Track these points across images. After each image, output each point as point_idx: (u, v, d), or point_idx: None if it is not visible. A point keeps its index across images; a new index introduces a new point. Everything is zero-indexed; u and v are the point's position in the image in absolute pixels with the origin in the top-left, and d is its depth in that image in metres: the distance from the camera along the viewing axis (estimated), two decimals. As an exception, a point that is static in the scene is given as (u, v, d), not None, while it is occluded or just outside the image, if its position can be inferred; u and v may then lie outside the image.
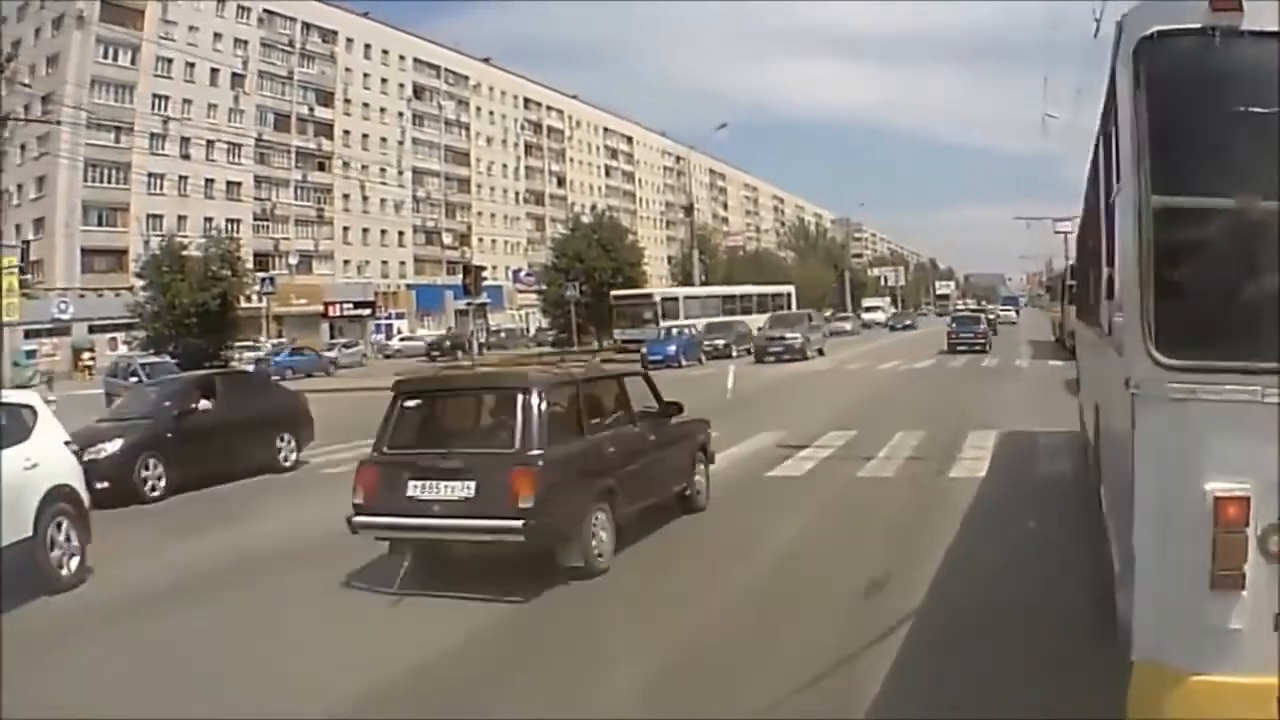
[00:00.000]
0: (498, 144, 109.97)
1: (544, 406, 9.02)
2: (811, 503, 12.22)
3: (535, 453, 8.77)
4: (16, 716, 6.11)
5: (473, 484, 8.70)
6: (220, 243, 58.88)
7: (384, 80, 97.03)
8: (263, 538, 11.66)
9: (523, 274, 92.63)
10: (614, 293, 58.44)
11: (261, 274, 66.94)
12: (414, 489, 8.88)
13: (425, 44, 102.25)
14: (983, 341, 43.98)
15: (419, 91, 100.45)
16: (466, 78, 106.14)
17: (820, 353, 44.87)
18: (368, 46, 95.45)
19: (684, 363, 44.58)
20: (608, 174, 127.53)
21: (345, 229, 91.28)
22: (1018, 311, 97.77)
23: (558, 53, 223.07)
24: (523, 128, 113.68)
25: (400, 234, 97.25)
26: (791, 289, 65.52)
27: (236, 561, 10.41)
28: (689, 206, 78.20)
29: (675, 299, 55.25)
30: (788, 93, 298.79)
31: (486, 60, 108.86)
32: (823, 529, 10.96)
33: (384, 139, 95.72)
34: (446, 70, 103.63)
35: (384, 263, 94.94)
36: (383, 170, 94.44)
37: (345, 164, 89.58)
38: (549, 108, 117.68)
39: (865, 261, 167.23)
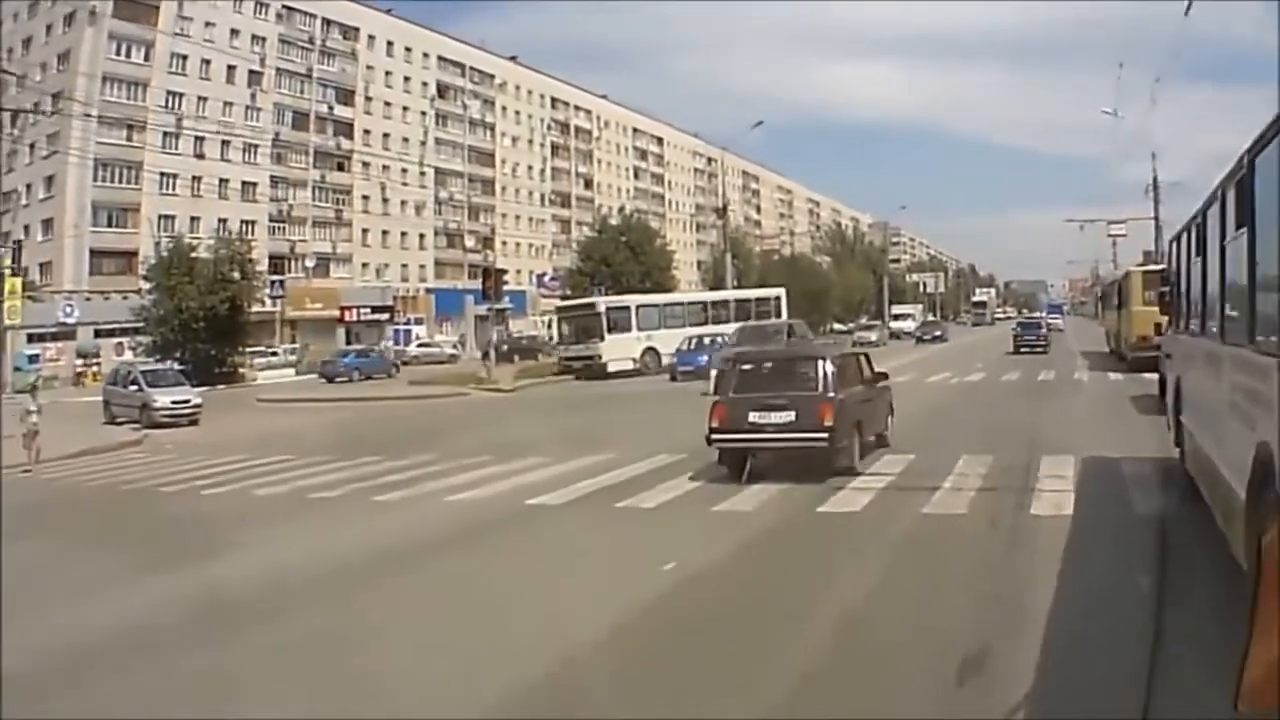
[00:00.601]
0: (523, 144, 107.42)
1: (832, 368, 14.73)
2: (875, 548, 10.27)
3: (832, 394, 14.30)
4: (16, 717, 6.31)
5: (793, 413, 14.13)
6: (230, 244, 57.03)
7: (406, 78, 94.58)
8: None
9: (547, 278, 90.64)
10: (557, 304, 56.26)
11: (274, 277, 65.68)
12: (754, 417, 14.35)
13: (450, 41, 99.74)
14: (1044, 344, 50.75)
15: (443, 90, 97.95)
16: (492, 76, 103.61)
17: None
18: (390, 44, 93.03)
19: (713, 374, 41.97)
20: (636, 176, 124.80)
21: (364, 231, 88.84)
22: (1063, 320, 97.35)
23: (590, 54, 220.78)
24: (549, 128, 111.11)
25: (421, 236, 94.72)
26: (781, 293, 57.42)
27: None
28: (722, 208, 73.39)
29: (625, 309, 48.62)
30: (826, 95, 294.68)
31: (513, 58, 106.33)
32: (893, 585, 8.93)
33: (405, 139, 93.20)
34: (471, 69, 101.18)
35: (404, 266, 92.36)
36: (404, 171, 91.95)
37: (365, 164, 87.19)
38: (577, 107, 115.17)
39: (904, 267, 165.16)
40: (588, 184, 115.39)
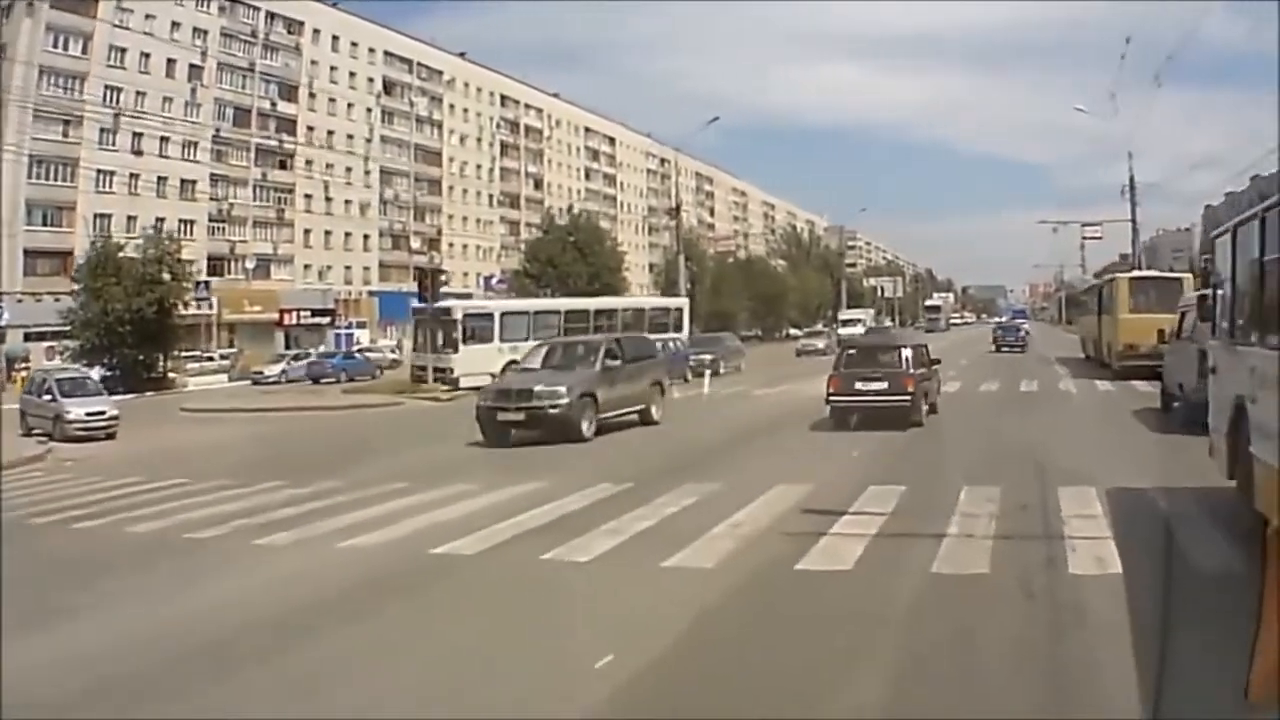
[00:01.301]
0: (472, 143, 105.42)
1: (910, 353, 22.09)
2: (879, 631, 7.70)
3: (912, 371, 21.41)
4: (16, 717, 6.19)
5: (885, 383, 21.01)
6: (159, 244, 55.11)
7: (352, 74, 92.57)
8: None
9: (494, 280, 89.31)
10: (413, 305, 49.56)
11: (200, 279, 63.38)
12: (859, 385, 21.25)
13: (397, 36, 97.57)
14: (1022, 344, 58.07)
15: (389, 86, 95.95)
16: (440, 73, 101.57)
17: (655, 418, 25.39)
18: (335, 38, 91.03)
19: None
20: (588, 176, 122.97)
21: (306, 231, 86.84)
22: (1029, 324, 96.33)
23: (545, 56, 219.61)
24: (499, 126, 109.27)
25: (365, 238, 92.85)
26: (683, 304, 52.84)
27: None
28: (675, 208, 71.77)
29: (487, 316, 43.25)
30: (784, 98, 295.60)
31: (462, 55, 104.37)
32: (912, 699, 6.39)
33: (350, 136, 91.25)
34: (419, 65, 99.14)
35: (347, 268, 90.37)
36: (348, 170, 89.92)
37: (308, 162, 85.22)
38: (527, 106, 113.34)
39: (860, 271, 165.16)
40: (538, 184, 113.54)
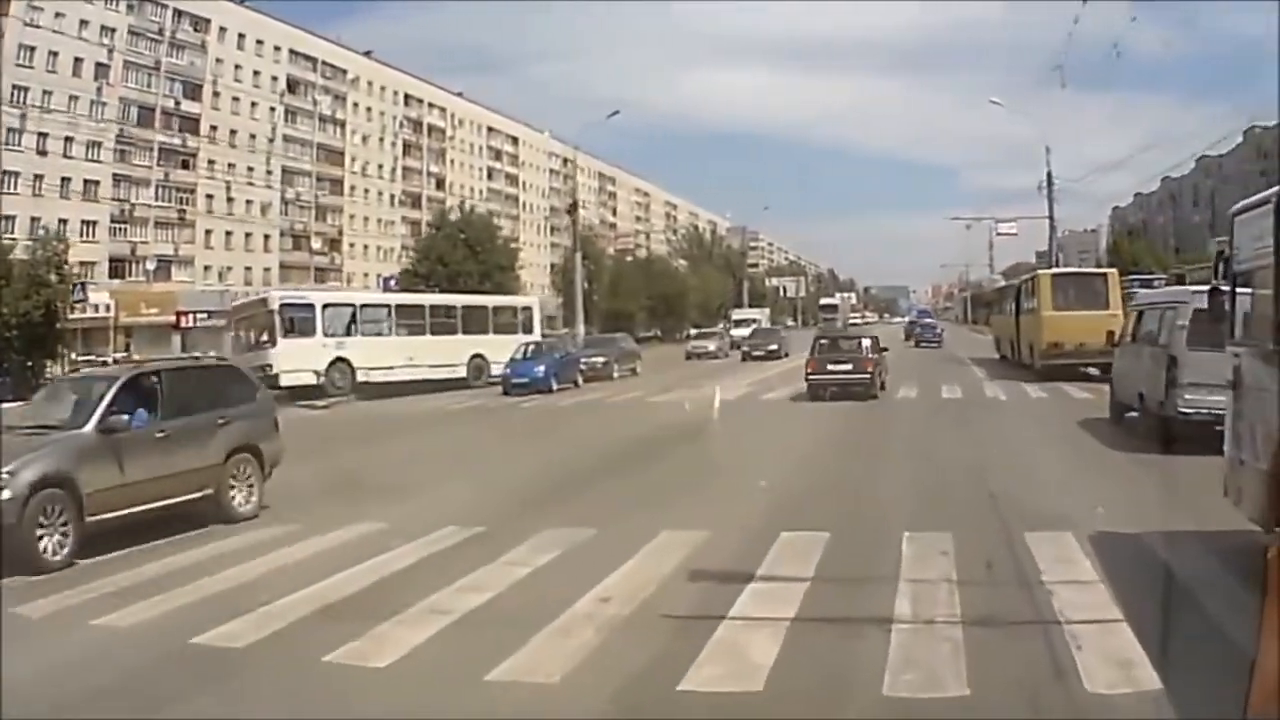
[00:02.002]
0: (374, 142, 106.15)
1: (869, 343, 30.04)
2: None
3: (870, 355, 29.10)
4: (16, 717, 6.03)
5: (850, 365, 28.72)
6: (47, 244, 55.19)
7: (256, 73, 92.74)
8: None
9: (393, 282, 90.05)
10: (233, 303, 48.02)
11: (85, 281, 63.15)
12: (831, 367, 28.92)
13: (304, 35, 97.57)
14: (939, 339, 61.70)
15: (293, 85, 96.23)
16: (345, 71, 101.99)
17: None
18: (241, 36, 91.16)
19: (555, 386, 38.62)
20: (490, 176, 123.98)
21: (208, 232, 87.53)
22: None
23: (452, 60, 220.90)
24: (401, 125, 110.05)
25: (266, 238, 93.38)
26: (533, 303, 49.89)
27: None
28: (572, 205, 70.65)
29: (308, 307, 39.41)
30: (690, 102, 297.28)
31: (368, 54, 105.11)
32: None
33: (254, 135, 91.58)
34: (324, 63, 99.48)
35: (247, 269, 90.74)
36: (250, 169, 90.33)
37: (211, 162, 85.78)
38: (431, 105, 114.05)
39: (763, 271, 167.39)
40: (439, 184, 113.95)
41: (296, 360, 36.35)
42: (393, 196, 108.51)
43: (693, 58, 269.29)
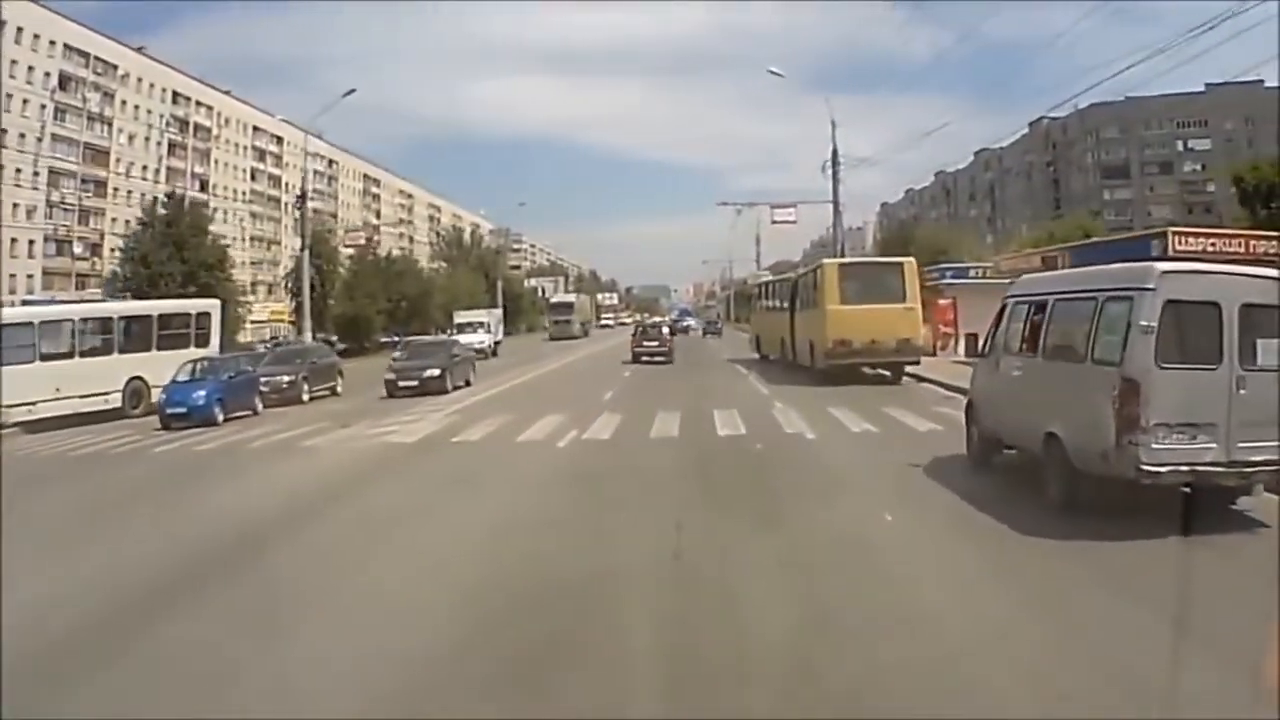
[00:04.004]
0: (140, 142, 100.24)
1: (668, 331, 54.48)
2: None
3: (669, 337, 51.13)
4: (16, 716, 5.94)
5: (657, 342, 47.94)
6: None
7: (30, 68, 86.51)
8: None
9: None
10: None
11: None
12: (646, 344, 47.02)
13: (80, 29, 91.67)
14: (666, 351, 47.40)
15: (64, 82, 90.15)
16: (116, 67, 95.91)
17: None
18: (20, 30, 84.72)
19: (221, 416, 29.35)
20: (254, 177, 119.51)
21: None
22: (694, 322, 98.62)
23: (243, 67, 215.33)
24: (168, 124, 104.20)
25: (30, 243, 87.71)
26: (213, 306, 39.90)
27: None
28: (301, 196, 59.92)
29: None
30: (470, 110, 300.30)
31: (140, 49, 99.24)
32: None
33: (23, 135, 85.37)
34: (96, 58, 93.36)
35: (11, 276, 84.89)
36: (18, 171, 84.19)
37: (-21, 163, 78.69)
38: (198, 103, 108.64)
39: (524, 272, 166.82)
40: (203, 186, 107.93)
41: None
42: (156, 199, 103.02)
43: (471, 67, 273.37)
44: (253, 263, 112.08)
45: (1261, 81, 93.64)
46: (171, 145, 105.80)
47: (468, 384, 37.48)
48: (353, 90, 56.81)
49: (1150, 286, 10.78)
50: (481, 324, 71.46)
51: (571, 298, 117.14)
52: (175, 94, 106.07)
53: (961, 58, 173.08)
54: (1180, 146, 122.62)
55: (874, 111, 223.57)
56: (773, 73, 57.29)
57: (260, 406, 32.34)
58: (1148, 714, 5.92)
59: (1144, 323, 10.63)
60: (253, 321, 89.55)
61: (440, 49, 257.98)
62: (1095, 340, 11.54)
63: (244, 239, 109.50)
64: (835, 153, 52.11)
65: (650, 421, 22.17)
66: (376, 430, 24.13)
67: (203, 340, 36.82)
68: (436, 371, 35.45)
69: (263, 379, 34.12)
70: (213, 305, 40.21)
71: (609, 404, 27.42)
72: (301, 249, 59.70)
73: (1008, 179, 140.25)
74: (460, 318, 74.94)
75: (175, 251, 58.94)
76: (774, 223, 70.00)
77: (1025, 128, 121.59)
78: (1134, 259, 17.08)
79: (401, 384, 34.78)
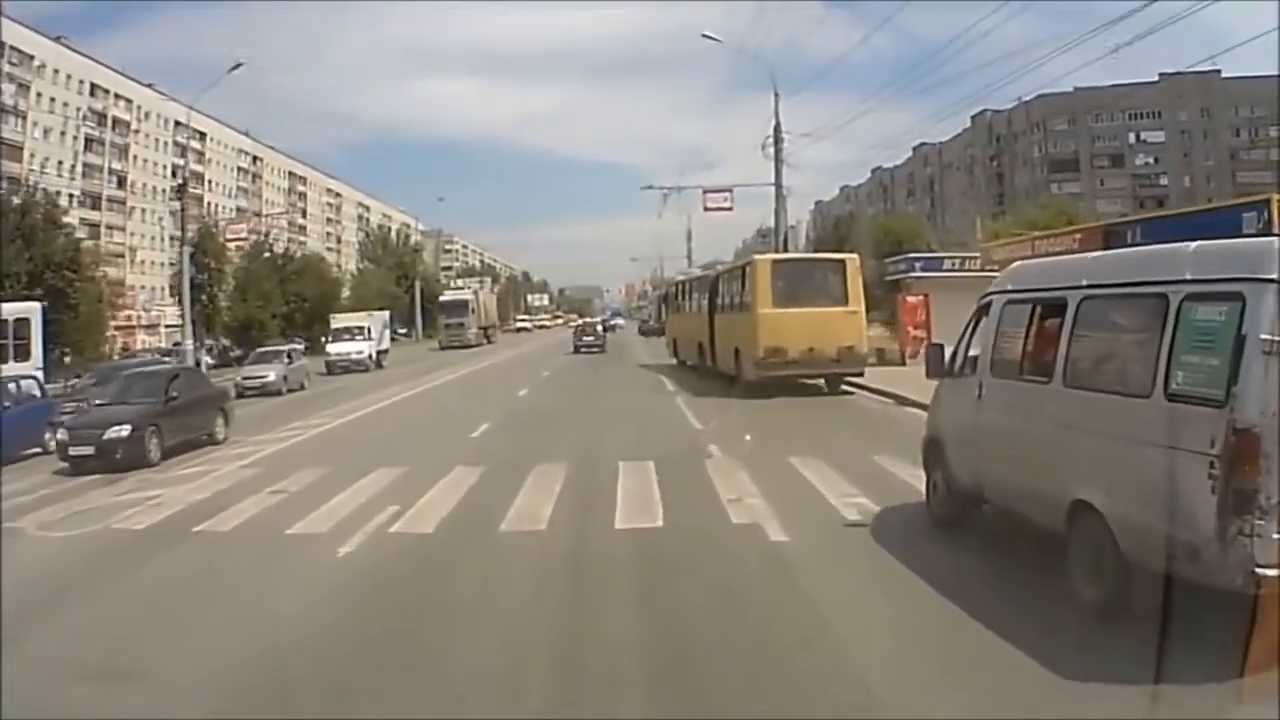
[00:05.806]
0: (56, 136, 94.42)
1: (601, 328, 74.79)
2: None
3: (603, 333, 70.73)
4: (16, 716, 6.02)
5: (593, 338, 66.02)
6: None
7: None
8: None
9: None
10: None
11: None
12: (585, 338, 65.28)
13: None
14: (600, 343, 65.25)
15: None
16: (32, 57, 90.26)
17: None
18: None
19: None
20: (174, 174, 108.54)
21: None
22: (624, 322, 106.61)
23: (184, 69, 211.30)
24: (85, 118, 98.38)
25: None
26: (32, 310, 34.39)
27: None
28: (181, 186, 53.58)
29: None
30: (409, 111, 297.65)
31: (59, 39, 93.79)
32: None
33: None
34: (13, 48, 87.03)
35: None
36: None
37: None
38: (118, 96, 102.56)
39: (454, 273, 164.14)
40: (121, 183, 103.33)
41: None
42: (72, 197, 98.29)
43: (409, 70, 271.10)
44: (171, 264, 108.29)
45: (1218, 72, 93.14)
46: (89, 140, 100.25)
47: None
48: (240, 64, 47.07)
49: (1274, 277, 6.56)
50: (360, 329, 58.27)
51: (467, 294, 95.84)
52: (94, 86, 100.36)
53: (899, 55, 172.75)
54: (1132, 139, 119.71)
55: (815, 109, 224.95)
56: (707, 36, 51.09)
57: (27, 454, 23.12)
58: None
59: (1266, 336, 6.48)
60: (167, 327, 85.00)
61: (374, 50, 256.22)
62: (1170, 363, 7.25)
63: (163, 238, 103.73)
64: (778, 127, 46.23)
65: (517, 486, 14.94)
66: (129, 497, 16.69)
67: (22, 353, 30.75)
68: (125, 430, 20.34)
69: (52, 421, 23.67)
70: (32, 310, 33.72)
71: (476, 443, 20.94)
72: (181, 244, 52.91)
73: (948, 174, 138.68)
74: (337, 322, 62.55)
75: (25, 247, 51.08)
76: (706, 209, 59.98)
77: (968, 121, 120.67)
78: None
79: (73, 451, 20.45)
